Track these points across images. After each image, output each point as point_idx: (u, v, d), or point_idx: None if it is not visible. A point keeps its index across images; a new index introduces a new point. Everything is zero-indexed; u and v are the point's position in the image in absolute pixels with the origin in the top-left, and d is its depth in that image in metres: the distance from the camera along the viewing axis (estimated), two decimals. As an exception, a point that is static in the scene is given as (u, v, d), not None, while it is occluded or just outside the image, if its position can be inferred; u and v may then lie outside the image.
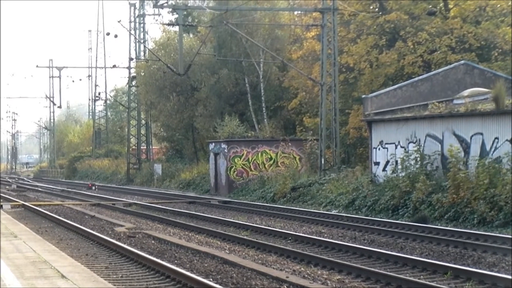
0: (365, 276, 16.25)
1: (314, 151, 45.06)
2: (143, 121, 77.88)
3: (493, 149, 27.88)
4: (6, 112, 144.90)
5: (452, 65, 38.07)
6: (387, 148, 34.20)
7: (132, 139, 78.14)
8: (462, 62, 38.10)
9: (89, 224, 29.03)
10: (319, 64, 45.10)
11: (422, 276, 16.37)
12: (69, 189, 60.46)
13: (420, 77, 37.66)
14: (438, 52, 44.10)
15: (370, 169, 35.81)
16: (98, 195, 51.41)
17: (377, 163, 34.97)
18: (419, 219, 27.09)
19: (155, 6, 50.42)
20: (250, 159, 48.27)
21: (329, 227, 27.41)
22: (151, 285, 15.71)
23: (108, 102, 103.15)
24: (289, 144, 47.98)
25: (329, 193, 36.48)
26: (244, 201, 41.23)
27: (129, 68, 78.22)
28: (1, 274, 14.70)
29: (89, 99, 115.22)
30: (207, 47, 59.07)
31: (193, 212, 34.78)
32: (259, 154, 48.26)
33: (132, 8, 75.61)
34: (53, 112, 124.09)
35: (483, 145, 28.38)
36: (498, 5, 45.36)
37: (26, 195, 52.98)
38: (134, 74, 75.10)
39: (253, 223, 28.63)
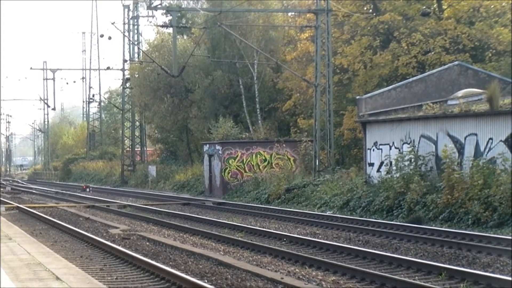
0: (360, 277, 16.26)
1: (309, 153, 45.04)
2: (137, 123, 77.88)
3: (487, 150, 27.90)
4: (0, 115, 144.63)
5: (446, 66, 38.09)
6: (381, 149, 34.20)
7: (126, 141, 78.08)
8: (456, 62, 38.12)
9: (84, 226, 28.99)
10: (313, 66, 45.10)
11: (416, 277, 16.38)
12: (64, 191, 60.38)
13: (414, 78, 37.66)
14: (432, 53, 44.13)
15: (365, 170, 35.81)
16: (93, 197, 51.35)
17: (372, 164, 34.97)
18: (413, 220, 27.11)
19: (149, 8, 50.56)
20: (244, 160, 48.25)
21: (324, 228, 27.41)
22: (146, 287, 15.70)
23: (102, 104, 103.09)
24: (284, 145, 47.98)
25: (323, 194, 36.47)
26: (239, 203, 41.22)
27: (123, 70, 78.17)
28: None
29: (83, 101, 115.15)
30: (201, 49, 59.05)
31: (188, 214, 34.79)
32: (254, 155, 48.25)
33: (126, 10, 75.52)
34: (47, 114, 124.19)
35: (477, 145, 28.39)
36: (492, 6, 45.38)
37: (20, 197, 52.89)
38: (128, 76, 75.09)
39: (248, 225, 28.62)
